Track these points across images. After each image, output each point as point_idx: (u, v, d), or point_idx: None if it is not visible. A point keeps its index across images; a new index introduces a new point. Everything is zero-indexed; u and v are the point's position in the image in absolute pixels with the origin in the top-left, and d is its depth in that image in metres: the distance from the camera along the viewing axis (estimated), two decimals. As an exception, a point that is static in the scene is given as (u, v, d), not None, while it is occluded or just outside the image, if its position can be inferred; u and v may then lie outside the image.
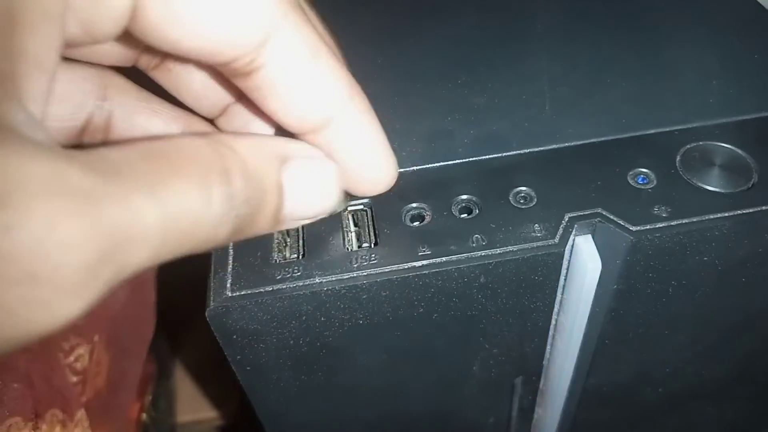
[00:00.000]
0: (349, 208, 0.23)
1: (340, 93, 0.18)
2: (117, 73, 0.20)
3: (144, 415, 0.44)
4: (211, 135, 0.16)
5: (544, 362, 0.27)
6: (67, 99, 0.19)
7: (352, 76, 0.18)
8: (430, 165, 0.24)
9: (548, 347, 0.26)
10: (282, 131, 0.19)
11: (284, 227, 0.18)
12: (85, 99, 0.19)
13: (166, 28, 0.15)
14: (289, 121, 0.18)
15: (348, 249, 0.22)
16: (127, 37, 0.16)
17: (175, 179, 0.14)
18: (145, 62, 0.20)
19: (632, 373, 0.28)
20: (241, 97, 0.21)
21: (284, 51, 0.16)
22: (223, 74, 0.19)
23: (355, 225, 0.23)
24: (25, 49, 0.13)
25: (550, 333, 0.26)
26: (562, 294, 0.24)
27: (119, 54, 0.19)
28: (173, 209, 0.14)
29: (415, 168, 0.24)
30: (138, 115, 0.20)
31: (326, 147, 0.19)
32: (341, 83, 0.18)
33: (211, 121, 0.21)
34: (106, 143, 0.14)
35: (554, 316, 0.25)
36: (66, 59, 0.18)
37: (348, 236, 0.22)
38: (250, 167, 0.16)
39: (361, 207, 0.23)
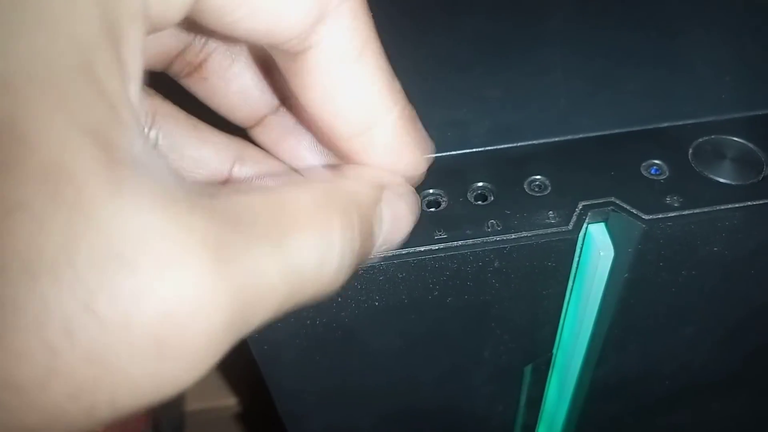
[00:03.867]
0: None
1: (381, 103, 0.17)
2: (165, 99, 0.18)
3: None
4: (323, 175, 0.16)
5: (553, 351, 0.28)
6: None
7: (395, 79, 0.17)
8: (446, 153, 0.24)
9: (558, 335, 0.27)
10: (319, 140, 0.19)
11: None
12: None
13: (227, 8, 0.14)
14: (327, 118, 0.17)
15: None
16: (168, 32, 0.15)
17: (297, 232, 0.13)
18: (178, 69, 0.19)
19: (641, 365, 0.29)
20: (278, 109, 0.20)
21: (335, 37, 0.16)
22: (264, 75, 0.18)
23: None
24: (127, 62, 0.12)
25: (561, 321, 0.26)
26: (574, 282, 0.24)
27: (154, 56, 0.18)
28: (297, 263, 0.13)
29: (430, 156, 0.24)
30: (187, 145, 0.19)
31: (361, 151, 0.18)
32: (384, 91, 0.17)
33: (244, 131, 0.21)
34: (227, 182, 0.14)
35: (565, 304, 0.25)
36: None
37: None
38: (364, 207, 0.16)
39: None
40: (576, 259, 0.23)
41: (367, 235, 0.16)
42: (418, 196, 0.19)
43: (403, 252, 0.21)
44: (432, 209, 0.22)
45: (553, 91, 0.27)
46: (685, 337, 0.27)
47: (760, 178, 0.22)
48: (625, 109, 0.25)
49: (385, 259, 0.21)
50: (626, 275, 0.23)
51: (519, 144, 0.24)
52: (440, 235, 0.21)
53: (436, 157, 0.24)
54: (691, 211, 0.21)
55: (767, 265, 0.24)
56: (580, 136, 0.24)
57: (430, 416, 0.31)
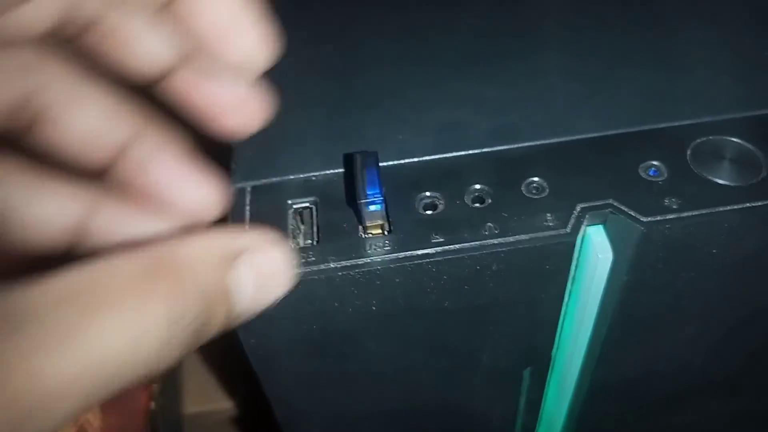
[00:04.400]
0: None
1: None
2: (6, 156, 0.17)
3: (152, 404, 0.44)
4: (155, 247, 0.15)
5: (552, 353, 0.28)
6: None
7: None
8: (443, 155, 0.24)
9: (557, 338, 0.27)
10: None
11: (241, 321, 0.17)
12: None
13: None
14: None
15: (362, 236, 0.22)
16: None
17: (100, 316, 0.13)
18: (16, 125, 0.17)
19: (640, 367, 0.29)
20: (133, 145, 0.18)
21: None
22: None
23: None
24: None
25: (560, 324, 0.26)
26: (572, 285, 0.24)
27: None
28: (101, 352, 0.12)
29: (428, 158, 0.24)
30: (31, 204, 0.17)
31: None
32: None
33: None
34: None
35: (564, 307, 0.25)
36: None
37: None
38: (200, 280, 0.15)
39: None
40: (574, 261, 0.23)
41: (213, 305, 0.15)
42: (284, 253, 0.17)
43: (400, 256, 0.21)
44: (429, 212, 0.22)
45: (550, 92, 0.26)
46: (684, 338, 0.27)
47: (759, 179, 0.22)
48: (623, 110, 0.25)
49: (381, 263, 0.21)
50: (625, 278, 0.23)
51: (516, 146, 0.24)
52: (437, 238, 0.21)
53: (432, 159, 0.24)
54: (689, 213, 0.21)
55: (766, 266, 0.24)
56: (578, 137, 0.24)
57: (429, 420, 0.30)
